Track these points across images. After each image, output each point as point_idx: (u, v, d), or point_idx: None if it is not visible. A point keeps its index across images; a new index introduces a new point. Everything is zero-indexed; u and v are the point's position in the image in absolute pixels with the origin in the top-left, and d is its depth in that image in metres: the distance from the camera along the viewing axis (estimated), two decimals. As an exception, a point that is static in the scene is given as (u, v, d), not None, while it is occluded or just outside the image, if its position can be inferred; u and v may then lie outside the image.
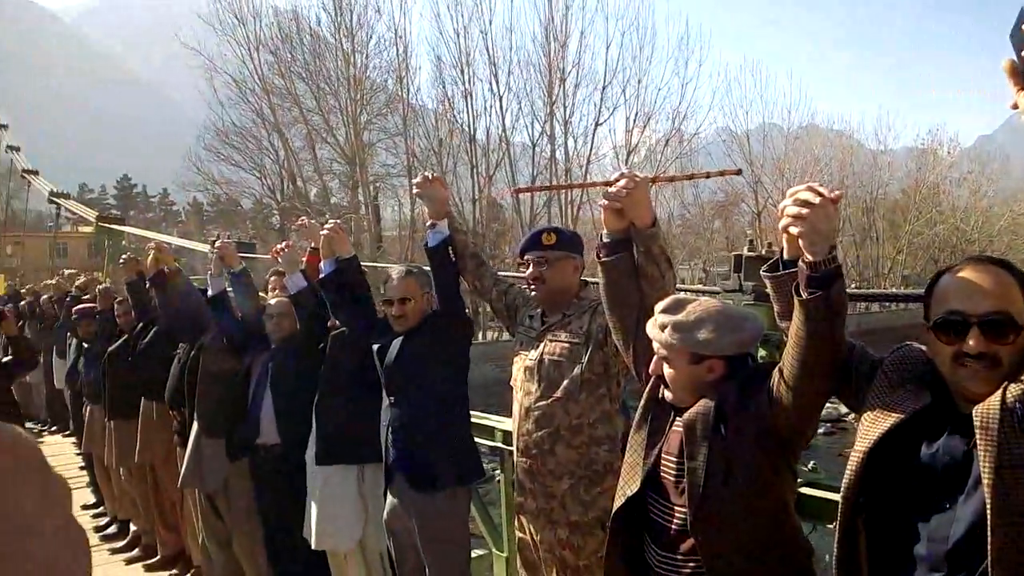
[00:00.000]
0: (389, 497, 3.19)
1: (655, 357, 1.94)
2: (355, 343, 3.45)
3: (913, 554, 1.43)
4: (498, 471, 4.06)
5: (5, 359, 5.07)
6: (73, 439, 7.99)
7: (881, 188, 40.03)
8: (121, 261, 5.37)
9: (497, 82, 29.72)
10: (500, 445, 3.94)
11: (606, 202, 2.12)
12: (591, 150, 30.57)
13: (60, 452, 7.74)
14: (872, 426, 1.53)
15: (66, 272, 9.10)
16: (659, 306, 1.93)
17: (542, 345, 2.69)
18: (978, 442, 1.33)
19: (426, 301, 3.23)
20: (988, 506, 1.29)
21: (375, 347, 3.27)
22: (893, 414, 1.50)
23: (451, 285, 3.15)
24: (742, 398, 1.79)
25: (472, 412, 3.69)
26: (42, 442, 7.10)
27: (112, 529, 5.87)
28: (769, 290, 1.79)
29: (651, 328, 1.92)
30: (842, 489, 1.56)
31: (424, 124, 30.23)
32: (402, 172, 30.62)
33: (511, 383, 2.84)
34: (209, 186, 32.73)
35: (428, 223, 3.17)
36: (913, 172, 41.85)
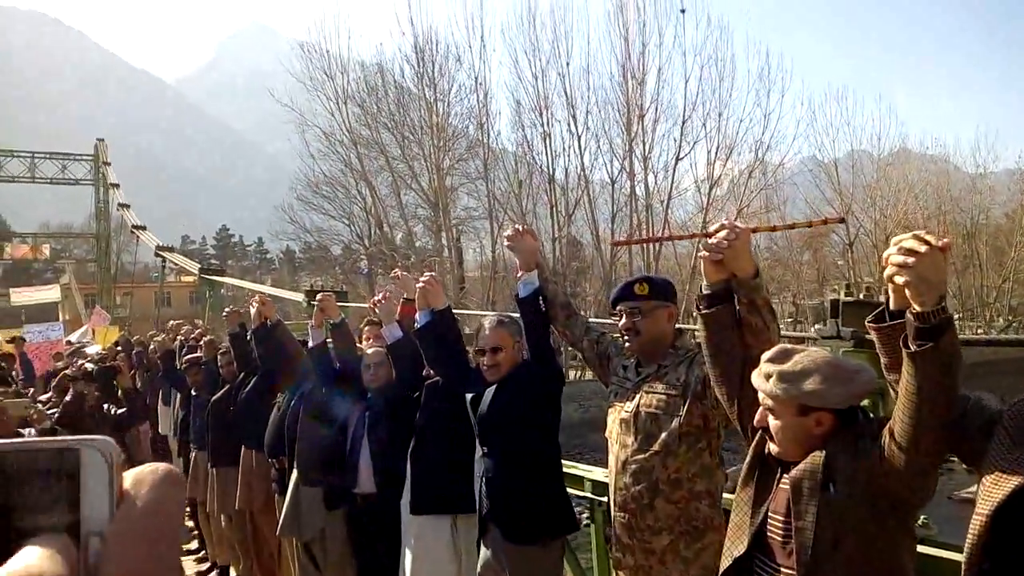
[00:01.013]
0: (483, 548, 3.18)
1: (760, 409, 1.87)
2: (449, 393, 3.49)
3: None
4: (588, 521, 4.00)
5: (118, 411, 5.26)
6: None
7: (982, 213, 37.86)
8: (225, 314, 5.63)
9: (575, 122, 29.93)
10: (590, 495, 3.88)
11: (707, 254, 2.09)
12: (672, 185, 30.24)
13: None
14: (995, 488, 1.44)
15: (171, 323, 9.60)
16: (765, 356, 1.87)
17: (638, 396, 2.64)
18: None
19: (517, 351, 3.25)
20: None
21: (468, 397, 3.30)
22: (1016, 476, 1.41)
23: (542, 336, 3.16)
24: (853, 455, 1.70)
25: (563, 460, 3.67)
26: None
27: (213, 575, 6.06)
28: (875, 342, 1.71)
29: (756, 378, 1.86)
30: (965, 555, 1.46)
31: (504, 167, 30.67)
32: (483, 215, 31.10)
33: (606, 435, 2.80)
34: (301, 234, 34.15)
35: (519, 274, 3.20)
36: (1017, 195, 39.43)
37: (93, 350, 11.08)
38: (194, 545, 6.73)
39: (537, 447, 3.15)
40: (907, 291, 1.47)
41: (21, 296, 37.93)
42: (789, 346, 1.90)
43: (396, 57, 32.96)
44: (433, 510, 3.51)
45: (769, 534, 1.82)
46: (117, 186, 44.36)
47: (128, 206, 42.66)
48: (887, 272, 1.51)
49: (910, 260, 1.45)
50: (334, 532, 4.12)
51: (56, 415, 4.65)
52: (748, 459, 1.94)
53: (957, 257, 37.14)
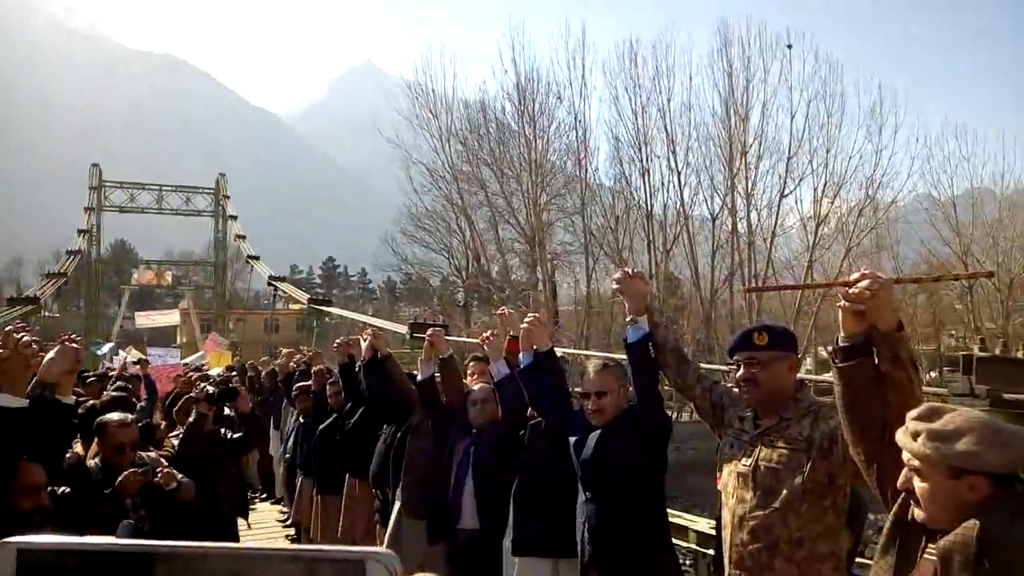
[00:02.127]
0: (586, 595, 3.12)
1: (905, 470, 1.74)
2: (552, 434, 3.48)
3: None
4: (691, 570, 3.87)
5: (235, 436, 5.38)
6: (280, 506, 8.63)
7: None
8: (336, 345, 5.84)
9: (675, 158, 29.67)
10: (695, 547, 3.77)
11: (845, 303, 2.00)
12: (776, 222, 29.35)
13: (265, 519, 8.28)
14: None
15: (283, 352, 10.01)
16: (912, 414, 1.75)
17: (756, 450, 2.54)
18: None
19: (622, 396, 3.20)
20: None
21: (572, 440, 3.28)
22: None
23: (650, 382, 3.10)
24: (1013, 528, 1.57)
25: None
26: (254, 509, 7.63)
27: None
28: None
29: (902, 437, 1.74)
30: None
31: (601, 202, 30.68)
32: (579, 250, 31.14)
33: (719, 487, 2.70)
34: (402, 266, 35.20)
35: (628, 319, 3.15)
36: None
37: (216, 372, 11.68)
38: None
39: (641, 495, 3.08)
40: None
41: (145, 319, 40.71)
42: (939, 405, 1.79)
43: (498, 95, 33.77)
44: (535, 552, 3.48)
45: None
46: (235, 217, 47.20)
47: (244, 237, 45.25)
48: None
49: None
50: (434, 566, 4.14)
51: (180, 437, 4.83)
52: (889, 525, 1.82)
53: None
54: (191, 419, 4.77)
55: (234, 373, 10.93)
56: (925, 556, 1.70)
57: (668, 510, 3.61)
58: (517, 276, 32.92)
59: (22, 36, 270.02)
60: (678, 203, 29.78)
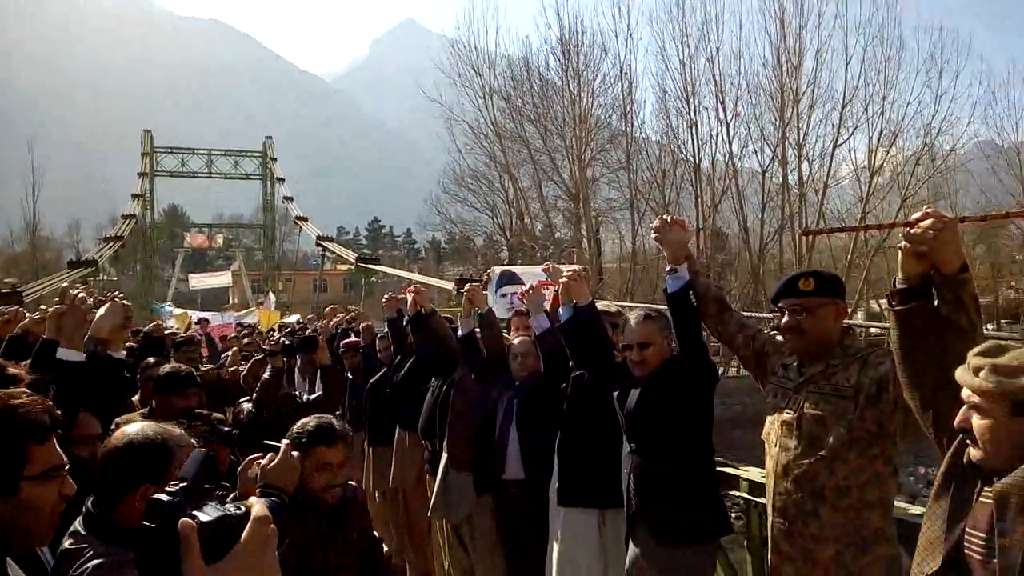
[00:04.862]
0: (631, 546, 3.14)
1: (963, 408, 1.69)
2: (595, 386, 3.49)
3: None
4: (744, 524, 3.87)
5: (312, 397, 4.90)
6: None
7: None
8: (384, 300, 5.92)
9: (724, 109, 28.95)
10: (747, 496, 3.75)
11: (907, 244, 1.94)
12: (828, 173, 28.49)
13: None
14: None
15: (328, 308, 10.11)
16: (975, 350, 1.70)
17: (800, 398, 2.51)
18: None
19: (666, 346, 3.18)
20: None
21: (615, 393, 3.28)
22: None
23: (692, 331, 3.06)
24: None
25: (717, 459, 3.56)
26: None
27: (367, 547, 6.41)
28: None
29: (962, 373, 1.69)
30: None
31: (647, 157, 30.21)
32: (624, 205, 30.80)
33: (763, 436, 2.68)
34: (446, 225, 35.35)
35: (668, 268, 3.11)
36: None
37: (293, 318, 11.71)
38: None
39: (687, 446, 3.07)
40: None
41: (198, 281, 41.87)
42: (1004, 342, 1.73)
43: (542, 50, 33.31)
44: (581, 503, 3.51)
45: (967, 551, 1.67)
46: (282, 180, 47.89)
47: (292, 199, 45.95)
48: None
49: None
50: (482, 516, 4.22)
51: (254, 401, 4.41)
52: (943, 468, 1.78)
53: None
54: (265, 377, 4.44)
55: (302, 323, 10.96)
56: (981, 499, 1.66)
57: (718, 460, 3.61)
58: (561, 233, 32.80)
59: (73, 4, 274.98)
60: (727, 156, 29.17)
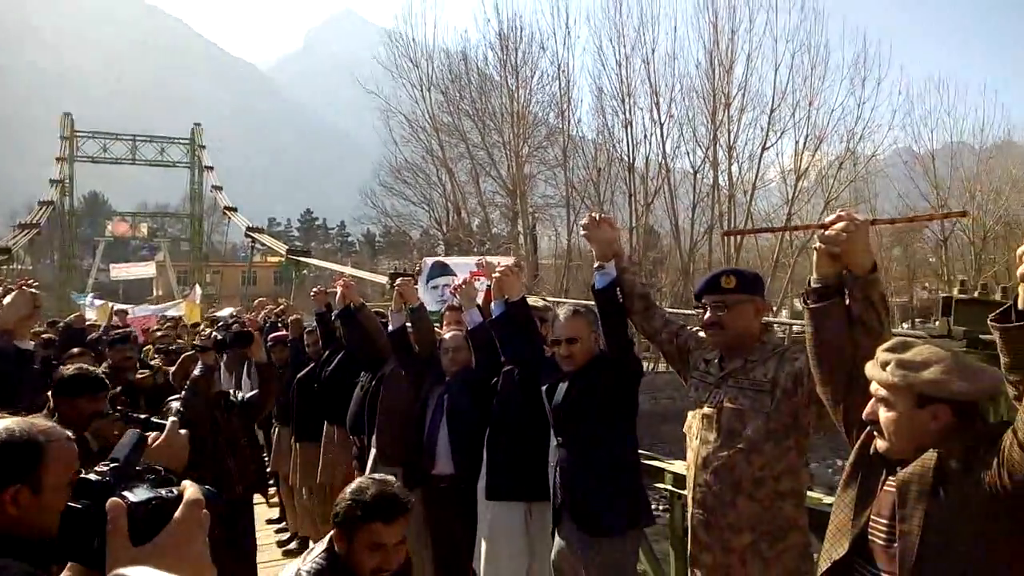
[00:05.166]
0: (557, 538, 3.19)
1: (872, 401, 1.78)
2: (524, 381, 3.51)
3: None
4: (667, 514, 3.97)
5: (248, 395, 4.48)
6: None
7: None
8: (312, 293, 5.81)
9: (658, 110, 29.46)
10: (671, 488, 3.85)
11: (821, 245, 2.02)
12: (757, 175, 29.38)
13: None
14: None
15: (256, 301, 9.86)
16: (883, 346, 1.80)
17: (721, 392, 2.58)
18: None
19: (593, 341, 3.22)
20: None
21: (544, 387, 3.30)
22: None
23: (618, 327, 3.11)
24: (967, 460, 1.61)
25: (642, 452, 3.64)
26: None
27: (293, 545, 6.29)
28: (998, 341, 1.60)
29: (871, 368, 1.78)
30: None
31: (584, 155, 30.51)
32: (560, 203, 31.04)
33: (684, 430, 2.75)
34: (381, 218, 34.92)
35: (596, 265, 3.15)
36: None
37: (227, 311, 11.26)
38: (275, 514, 7.00)
39: (612, 439, 3.12)
40: None
41: (120, 271, 40.22)
42: (909, 339, 1.82)
43: (480, 44, 33.24)
44: (508, 496, 3.54)
45: (871, 537, 1.75)
46: (211, 168, 46.46)
47: (221, 188, 44.65)
48: (1021, 270, 1.42)
49: None
50: (411, 511, 4.19)
51: (181, 400, 3.95)
52: (852, 458, 1.86)
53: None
54: (195, 375, 4.05)
55: (235, 317, 10.63)
56: (885, 488, 1.75)
57: (644, 452, 3.69)
58: (498, 229, 32.82)
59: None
60: (660, 156, 29.69)
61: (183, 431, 2.03)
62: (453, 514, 3.86)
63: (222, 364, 6.42)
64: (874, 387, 1.77)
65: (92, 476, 1.01)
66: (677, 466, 3.83)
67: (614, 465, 3.09)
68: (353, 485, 2.30)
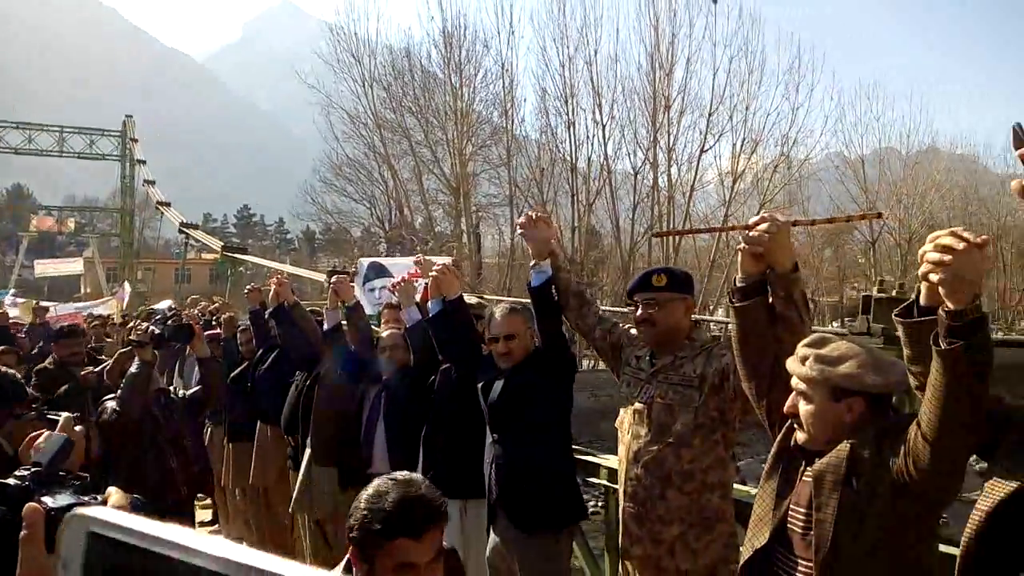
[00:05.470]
0: (492, 535, 3.20)
1: (792, 395, 1.86)
2: (461, 380, 3.51)
3: None
4: (603, 509, 4.02)
5: (192, 391, 4.27)
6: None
7: (1009, 214, 37.16)
8: (246, 291, 5.68)
9: (600, 111, 29.74)
10: (605, 483, 3.90)
11: (745, 245, 2.08)
12: (695, 177, 30.00)
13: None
14: (998, 486, 1.46)
15: (190, 299, 9.61)
16: (802, 342, 1.87)
17: (652, 388, 2.64)
18: None
19: (530, 338, 3.25)
20: None
21: (479, 384, 3.31)
22: (1015, 477, 1.43)
23: (553, 324, 3.15)
24: (878, 450, 1.69)
25: (577, 448, 3.68)
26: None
27: (227, 546, 6.16)
28: (900, 334, 1.68)
29: (791, 363, 1.86)
30: (961, 548, 1.50)
31: (527, 154, 30.61)
32: (504, 202, 31.06)
33: (616, 425, 2.80)
34: (322, 216, 34.31)
35: (532, 263, 3.18)
36: (1047, 197, 38.55)
37: (164, 304, 10.67)
38: (207, 516, 6.83)
39: (547, 435, 3.15)
40: (941, 289, 1.45)
41: (46, 268, 38.53)
42: (828, 335, 1.90)
43: (424, 42, 33.00)
44: (444, 494, 3.52)
45: (790, 526, 1.82)
46: (143, 162, 44.86)
47: (153, 182, 43.15)
48: (922, 269, 1.49)
49: (947, 257, 1.42)
50: (347, 511, 4.15)
51: (118, 399, 3.77)
52: (773, 451, 1.94)
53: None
54: (131, 372, 3.83)
55: (174, 309, 10.19)
56: (803, 478, 1.82)
57: (580, 448, 3.73)
58: (441, 227, 32.64)
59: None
60: (602, 157, 30.01)
61: (78, 428, 1.84)
62: (389, 513, 3.82)
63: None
64: (794, 381, 1.84)
65: (11, 481, 0.97)
66: (612, 461, 3.88)
67: (549, 462, 3.12)
68: (369, 489, 1.78)
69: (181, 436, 4.08)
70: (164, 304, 10.74)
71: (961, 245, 1.42)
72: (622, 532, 2.69)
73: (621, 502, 2.69)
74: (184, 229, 33.08)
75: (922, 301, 1.57)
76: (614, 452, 4.29)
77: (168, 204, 40.76)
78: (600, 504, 4.22)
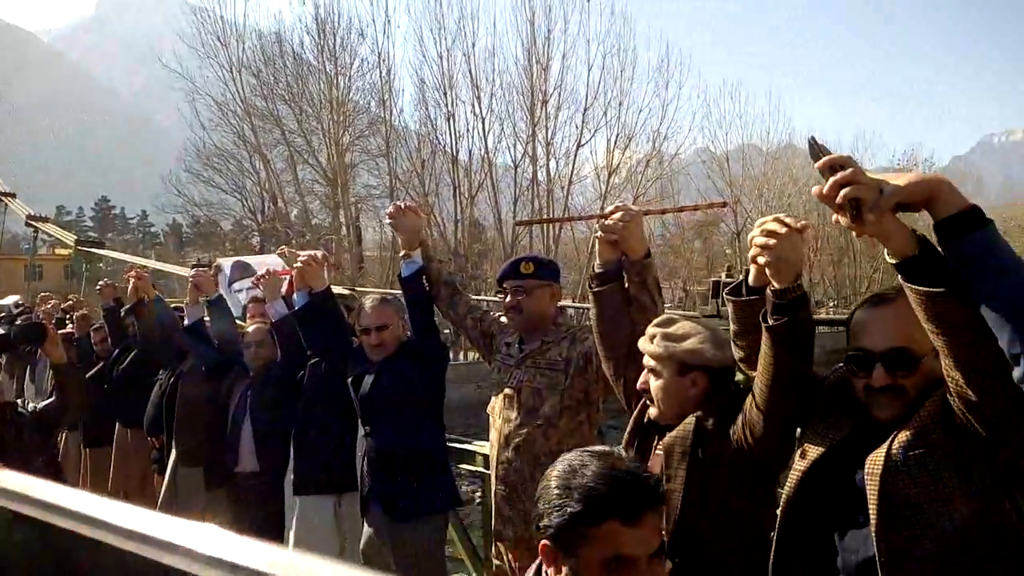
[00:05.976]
0: (365, 525, 3.18)
1: (644, 372, 1.97)
2: (331, 374, 3.44)
3: (836, 566, 1.51)
4: (480, 495, 4.07)
5: (43, 404, 3.74)
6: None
7: (859, 207, 40.51)
8: (99, 287, 5.33)
9: (480, 104, 29.87)
10: (482, 470, 3.95)
11: (602, 234, 2.17)
12: (572, 171, 30.73)
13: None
14: (809, 449, 1.60)
15: (40, 296, 8.82)
16: (653, 322, 1.98)
17: (521, 373, 2.71)
18: (866, 485, 1.44)
19: (401, 329, 3.24)
20: (873, 539, 1.41)
21: (350, 378, 3.27)
22: (824, 440, 1.58)
23: (425, 314, 3.16)
24: (719, 421, 1.81)
25: (453, 437, 3.71)
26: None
27: (86, 559, 5.78)
28: (729, 312, 1.81)
29: (642, 342, 1.97)
30: (781, 504, 1.64)
31: (407, 145, 30.29)
32: (384, 193, 30.59)
33: (488, 411, 2.85)
34: (189, 208, 32.52)
35: (402, 254, 3.17)
36: (890, 191, 42.31)
37: (11, 299, 9.47)
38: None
39: (420, 425, 3.15)
40: (767, 270, 1.57)
41: None
42: (675, 315, 2.02)
43: (296, 27, 31.91)
44: (317, 490, 3.47)
45: None
46: (-19, 149, 40.89)
47: (-6, 171, 39.41)
48: (751, 252, 1.61)
49: (771, 241, 1.55)
50: (216, 512, 4.00)
51: None
52: (630, 426, 2.04)
53: (834, 249, 39.75)
54: None
55: (22, 306, 9.18)
56: (655, 452, 1.92)
57: (454, 436, 3.75)
58: (318, 219, 31.75)
59: None
60: (483, 149, 30.16)
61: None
62: (260, 512, 3.71)
63: (1, 366, 5.76)
64: (646, 359, 1.95)
65: None
66: (486, 447, 3.94)
67: (421, 451, 3.12)
68: (558, 465, 1.40)
69: (32, 457, 3.50)
70: (10, 300, 9.54)
71: (783, 230, 1.55)
72: (495, 514, 2.74)
73: (493, 485, 2.74)
74: (32, 222, 30.44)
75: (751, 281, 1.70)
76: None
77: (13, 195, 37.37)
78: (480, 492, 4.28)
